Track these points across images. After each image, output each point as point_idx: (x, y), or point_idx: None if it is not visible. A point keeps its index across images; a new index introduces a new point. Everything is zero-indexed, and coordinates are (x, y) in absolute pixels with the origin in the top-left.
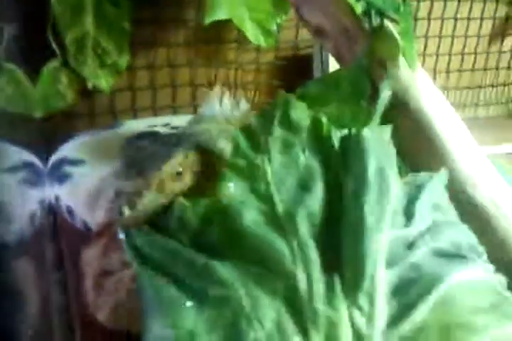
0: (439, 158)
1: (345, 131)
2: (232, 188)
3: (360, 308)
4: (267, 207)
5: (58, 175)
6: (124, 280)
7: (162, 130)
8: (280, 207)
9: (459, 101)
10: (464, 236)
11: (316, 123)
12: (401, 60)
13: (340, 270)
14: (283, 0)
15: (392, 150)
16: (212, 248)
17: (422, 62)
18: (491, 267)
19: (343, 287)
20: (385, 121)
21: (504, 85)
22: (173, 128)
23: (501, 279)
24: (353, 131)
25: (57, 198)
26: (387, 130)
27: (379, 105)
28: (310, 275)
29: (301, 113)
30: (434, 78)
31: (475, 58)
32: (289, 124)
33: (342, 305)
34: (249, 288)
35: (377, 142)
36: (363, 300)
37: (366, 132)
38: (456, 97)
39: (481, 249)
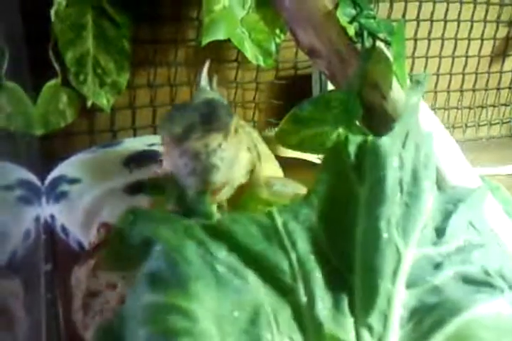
0: None
1: (361, 139)
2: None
3: (370, 328)
4: (266, 217)
5: (54, 193)
6: (111, 301)
7: (161, 149)
8: (278, 218)
9: (461, 121)
10: (496, 261)
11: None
12: (394, 81)
13: (351, 284)
14: (282, 20)
15: (432, 160)
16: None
17: None
18: None
19: (352, 304)
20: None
21: (506, 105)
22: None
23: None
24: (369, 138)
25: (52, 217)
26: (429, 138)
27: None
28: (311, 291)
29: None
30: (435, 98)
31: (476, 78)
32: None
33: (349, 324)
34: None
35: (414, 152)
36: (374, 320)
37: (384, 140)
38: (458, 117)
39: None
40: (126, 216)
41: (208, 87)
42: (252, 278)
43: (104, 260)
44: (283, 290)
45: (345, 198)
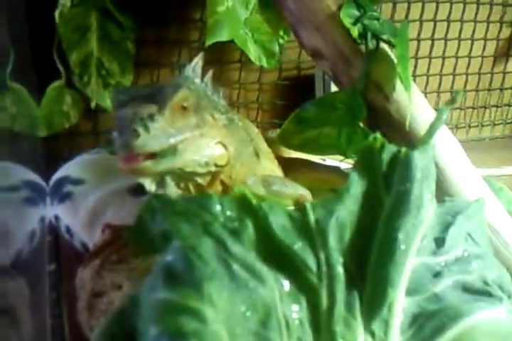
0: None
1: (395, 149)
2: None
3: (372, 334)
4: (297, 211)
5: (59, 194)
6: (116, 302)
7: None
8: (311, 214)
9: (464, 121)
10: (494, 271)
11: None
12: (397, 82)
13: (361, 290)
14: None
15: (433, 172)
16: (249, 241)
17: (426, 83)
18: None
19: (361, 309)
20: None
21: (509, 105)
22: None
23: None
24: (403, 149)
25: (56, 217)
26: (432, 150)
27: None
28: (333, 293)
29: None
30: (438, 98)
31: (479, 79)
32: None
33: (359, 329)
34: (282, 293)
35: (422, 163)
36: (377, 327)
37: (415, 153)
38: (461, 118)
39: None
40: (151, 202)
41: (192, 76)
42: (268, 276)
43: (129, 244)
44: (305, 288)
45: (372, 203)
